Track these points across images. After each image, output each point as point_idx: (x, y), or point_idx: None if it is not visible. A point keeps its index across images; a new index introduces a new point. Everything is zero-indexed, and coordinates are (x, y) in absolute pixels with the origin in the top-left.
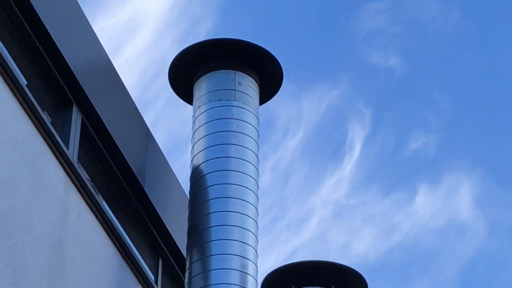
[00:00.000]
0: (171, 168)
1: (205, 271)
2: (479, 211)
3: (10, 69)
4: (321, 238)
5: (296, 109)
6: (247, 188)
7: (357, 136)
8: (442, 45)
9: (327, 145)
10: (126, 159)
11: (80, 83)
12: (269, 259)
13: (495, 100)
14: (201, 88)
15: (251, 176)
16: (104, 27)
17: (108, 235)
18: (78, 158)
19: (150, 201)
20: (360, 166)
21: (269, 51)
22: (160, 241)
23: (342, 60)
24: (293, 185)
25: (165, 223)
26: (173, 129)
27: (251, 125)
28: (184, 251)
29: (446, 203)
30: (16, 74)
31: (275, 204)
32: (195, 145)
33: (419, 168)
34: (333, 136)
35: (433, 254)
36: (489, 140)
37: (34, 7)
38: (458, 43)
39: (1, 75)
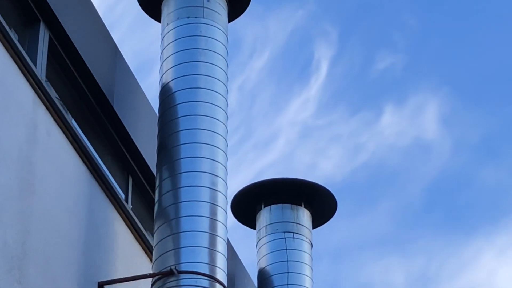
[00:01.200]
0: (140, 86)
1: (175, 188)
2: (445, 130)
3: None
4: (288, 158)
5: (263, 30)
6: (216, 105)
7: (323, 56)
8: None
9: (293, 66)
10: (95, 76)
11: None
12: (236, 179)
13: (461, 19)
14: (170, 5)
15: (220, 94)
16: None
17: (78, 152)
18: (46, 76)
19: (119, 119)
20: (326, 87)
21: None
22: (129, 159)
23: None
24: (260, 106)
25: (134, 141)
26: (141, 47)
27: (220, 42)
28: (154, 169)
29: (412, 123)
30: None
31: (241, 125)
32: (164, 62)
33: (386, 88)
34: (300, 56)
35: (398, 174)
36: (455, 59)
37: None
38: None
39: None
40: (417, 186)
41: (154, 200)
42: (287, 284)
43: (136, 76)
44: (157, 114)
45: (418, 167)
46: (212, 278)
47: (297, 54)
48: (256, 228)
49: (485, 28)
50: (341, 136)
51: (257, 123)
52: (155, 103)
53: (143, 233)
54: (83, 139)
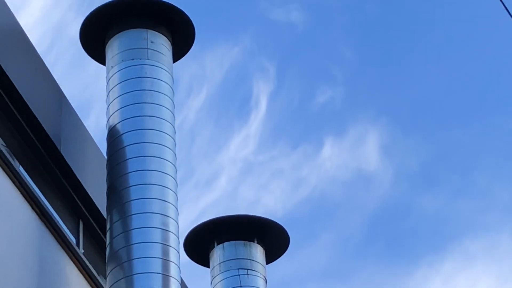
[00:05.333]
0: (86, 129)
1: (126, 231)
2: (385, 160)
3: None
4: (231, 195)
5: (199, 68)
6: (164, 146)
7: (262, 92)
8: None
9: (232, 103)
10: (40, 121)
11: None
12: (180, 219)
13: (396, 49)
14: (114, 48)
15: (167, 134)
16: None
17: (26, 199)
18: None
19: (67, 163)
20: (266, 122)
21: (180, 8)
22: (79, 203)
23: (242, 17)
24: (200, 145)
25: (83, 185)
26: (79, 87)
27: (166, 82)
28: (104, 212)
29: (352, 154)
30: None
31: (181, 165)
32: (110, 105)
33: (326, 121)
34: (238, 93)
35: (340, 205)
36: (392, 89)
37: None
38: None
39: None
40: (358, 217)
41: (105, 243)
42: None
43: (81, 116)
44: (105, 157)
45: (359, 198)
46: None
47: (235, 91)
48: (210, 266)
49: (420, 56)
50: (283, 170)
51: (198, 162)
52: (102, 145)
53: (95, 277)
54: (31, 186)
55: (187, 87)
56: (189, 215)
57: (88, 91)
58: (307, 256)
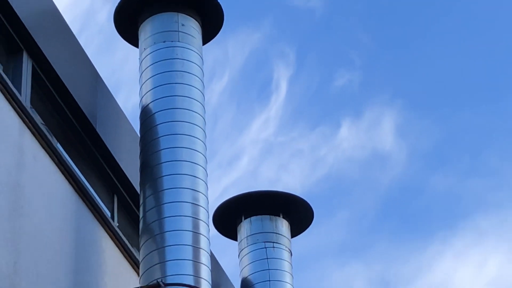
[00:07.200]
0: (120, 108)
1: (158, 205)
2: (400, 140)
3: None
4: (252, 174)
5: (222, 53)
6: (194, 124)
7: (282, 76)
8: None
9: (253, 87)
10: (77, 101)
11: (29, 30)
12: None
13: (410, 33)
14: (146, 31)
15: (197, 113)
16: None
17: (64, 175)
18: (31, 103)
19: (103, 141)
20: (286, 105)
21: None
22: (114, 179)
23: (263, 3)
24: (222, 127)
25: (118, 161)
26: (113, 68)
27: (196, 64)
28: (137, 187)
29: (368, 135)
30: None
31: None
32: (143, 85)
33: (343, 103)
34: (259, 77)
35: (356, 184)
36: (407, 72)
37: None
38: None
39: None
40: (373, 195)
41: (139, 217)
42: None
43: (116, 97)
44: (139, 135)
45: (375, 177)
46: None
47: (256, 75)
48: (238, 239)
49: (434, 40)
50: (302, 150)
51: (220, 143)
52: (135, 124)
53: (129, 249)
54: (68, 162)
55: (210, 71)
56: (212, 192)
57: (116, 74)
58: (324, 232)
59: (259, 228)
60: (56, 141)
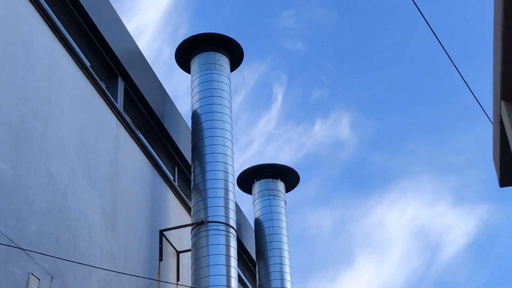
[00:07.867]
0: (179, 112)
1: (203, 172)
2: (353, 132)
3: (76, 53)
4: (260, 154)
5: (241, 77)
6: (225, 121)
7: (279, 91)
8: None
9: (260, 98)
10: (152, 107)
11: (122, 62)
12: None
13: (361, 64)
14: (195, 63)
15: (227, 114)
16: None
17: (144, 153)
18: (124, 109)
19: (168, 132)
20: (282, 110)
21: (235, 39)
22: (175, 156)
23: (265, 46)
24: (241, 124)
25: (178, 145)
26: (175, 86)
27: (226, 84)
28: (190, 161)
29: (333, 129)
30: (82, 58)
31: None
32: (193, 97)
33: (317, 109)
34: (264, 92)
35: (325, 160)
36: (357, 89)
37: (90, 16)
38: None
39: (73, 59)
40: (335, 167)
41: (190, 180)
42: (272, 227)
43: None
44: (190, 128)
45: (337, 155)
46: (227, 225)
47: (262, 91)
48: (252, 194)
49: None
50: (291, 139)
51: (240, 134)
52: (188, 121)
53: (185, 200)
54: (147, 146)
55: (234, 88)
56: (236, 164)
57: (176, 90)
58: (306, 189)
59: (265, 186)
60: (139, 132)
